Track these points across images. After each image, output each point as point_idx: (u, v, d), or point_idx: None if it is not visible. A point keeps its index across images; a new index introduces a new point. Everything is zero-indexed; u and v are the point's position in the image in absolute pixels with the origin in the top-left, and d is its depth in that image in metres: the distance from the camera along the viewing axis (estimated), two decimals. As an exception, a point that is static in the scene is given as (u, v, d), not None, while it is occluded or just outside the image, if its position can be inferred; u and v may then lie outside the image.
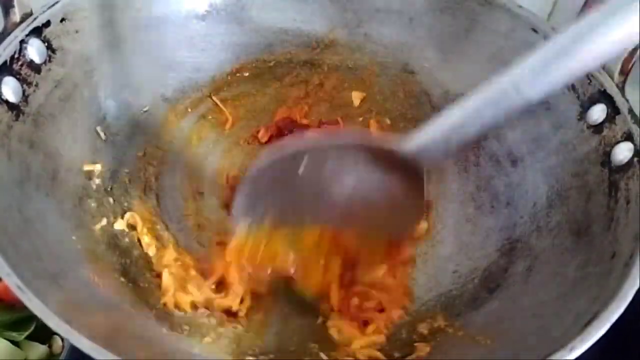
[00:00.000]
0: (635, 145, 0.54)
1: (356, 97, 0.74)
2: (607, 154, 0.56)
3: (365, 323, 0.57)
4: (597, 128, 0.58)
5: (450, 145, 0.47)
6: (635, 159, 0.54)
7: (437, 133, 0.47)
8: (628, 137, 0.55)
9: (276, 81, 0.75)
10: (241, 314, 0.57)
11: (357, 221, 0.53)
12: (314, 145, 0.52)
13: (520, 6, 0.65)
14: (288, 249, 0.55)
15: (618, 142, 0.55)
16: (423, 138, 0.48)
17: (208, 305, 0.57)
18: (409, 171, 0.50)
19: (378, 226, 0.54)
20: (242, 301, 0.57)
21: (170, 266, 0.58)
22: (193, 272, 0.59)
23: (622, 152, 0.55)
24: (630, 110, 0.55)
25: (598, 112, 0.58)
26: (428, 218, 0.65)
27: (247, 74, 0.74)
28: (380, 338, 0.56)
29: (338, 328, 0.57)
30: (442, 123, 0.47)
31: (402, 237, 0.59)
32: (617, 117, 0.56)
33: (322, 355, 0.55)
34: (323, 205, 0.53)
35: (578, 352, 0.43)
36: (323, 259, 0.55)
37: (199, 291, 0.57)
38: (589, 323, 0.44)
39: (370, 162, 0.50)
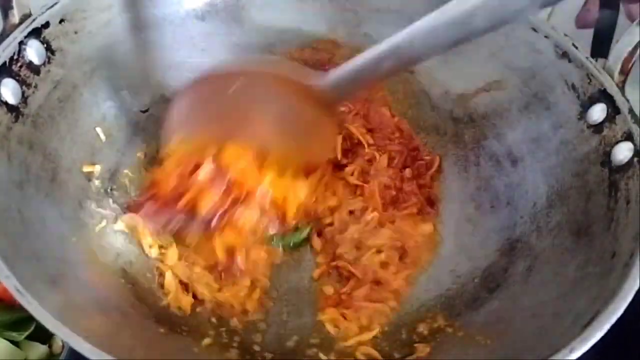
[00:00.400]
0: (635, 145, 0.54)
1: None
2: (607, 154, 0.56)
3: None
4: (597, 128, 0.58)
5: (357, 85, 0.54)
6: (635, 159, 0.54)
7: (347, 73, 0.52)
8: (628, 136, 0.55)
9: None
10: (250, 308, 0.58)
11: (279, 143, 0.57)
12: (244, 71, 0.57)
13: (520, 6, 0.65)
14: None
15: (618, 142, 0.55)
16: (337, 75, 0.52)
17: (214, 302, 0.57)
18: (323, 103, 0.55)
19: (297, 148, 0.58)
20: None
21: (174, 267, 0.58)
22: (198, 269, 0.59)
23: (622, 152, 0.55)
24: (631, 110, 0.55)
25: (598, 112, 0.58)
26: (434, 221, 0.66)
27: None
28: (374, 332, 0.57)
29: (334, 323, 0.58)
30: (350, 65, 0.51)
31: (316, 161, 0.62)
32: (617, 116, 0.56)
33: (321, 355, 0.55)
34: (249, 125, 0.57)
35: (578, 352, 0.43)
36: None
37: (206, 289, 0.57)
38: (589, 323, 0.44)
39: (292, 92, 0.55)
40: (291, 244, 0.65)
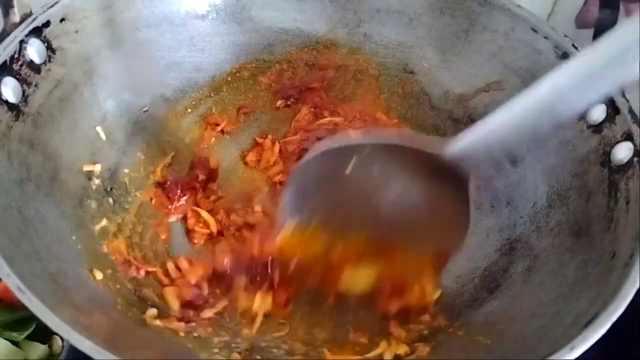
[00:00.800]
0: (635, 145, 0.54)
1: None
2: (607, 154, 0.56)
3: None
4: (597, 128, 0.58)
5: (493, 150, 0.45)
6: (635, 159, 0.54)
7: (479, 137, 0.45)
8: (628, 137, 0.55)
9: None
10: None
11: (402, 231, 0.51)
12: (361, 143, 0.50)
13: (520, 6, 0.65)
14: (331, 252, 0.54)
15: (618, 142, 0.55)
16: (466, 141, 0.45)
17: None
18: (453, 177, 0.47)
19: (423, 237, 0.52)
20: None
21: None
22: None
23: (622, 152, 0.55)
24: (630, 110, 0.55)
25: (598, 112, 0.58)
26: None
27: (247, 74, 0.74)
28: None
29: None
30: (484, 128, 0.44)
31: (446, 251, 0.54)
32: (617, 116, 0.56)
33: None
34: (369, 211, 0.51)
35: (578, 352, 0.43)
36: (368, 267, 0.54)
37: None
38: (589, 323, 0.44)
39: (414, 166, 0.48)
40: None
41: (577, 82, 0.39)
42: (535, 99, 0.41)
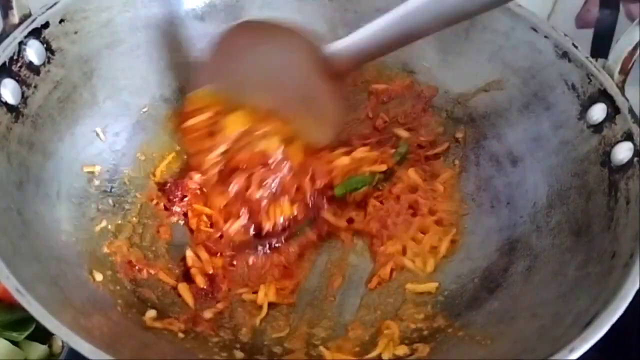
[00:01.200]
0: (635, 145, 0.54)
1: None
2: (607, 154, 0.56)
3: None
4: (597, 128, 0.58)
5: (377, 49, 0.56)
6: (635, 159, 0.54)
7: (356, 42, 0.55)
8: (628, 136, 0.55)
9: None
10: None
11: (289, 104, 0.62)
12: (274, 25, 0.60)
13: (520, 6, 0.65)
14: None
15: (618, 142, 0.55)
16: (345, 44, 0.55)
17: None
18: (332, 73, 0.58)
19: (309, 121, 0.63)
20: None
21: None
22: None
23: (622, 152, 0.55)
24: (631, 110, 0.55)
25: (598, 112, 0.58)
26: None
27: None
28: None
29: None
30: (359, 35, 0.54)
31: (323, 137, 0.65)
32: (617, 116, 0.56)
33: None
34: (266, 88, 0.62)
35: (578, 352, 0.43)
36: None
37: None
38: (589, 323, 0.44)
39: (310, 60, 0.58)
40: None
41: None
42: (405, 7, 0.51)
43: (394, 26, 0.52)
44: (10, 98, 0.53)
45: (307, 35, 0.59)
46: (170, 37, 0.69)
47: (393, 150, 0.69)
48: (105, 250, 0.58)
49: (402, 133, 0.71)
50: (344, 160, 0.67)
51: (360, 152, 0.68)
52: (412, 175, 0.67)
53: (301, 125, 0.64)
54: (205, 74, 0.64)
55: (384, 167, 0.68)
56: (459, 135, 0.69)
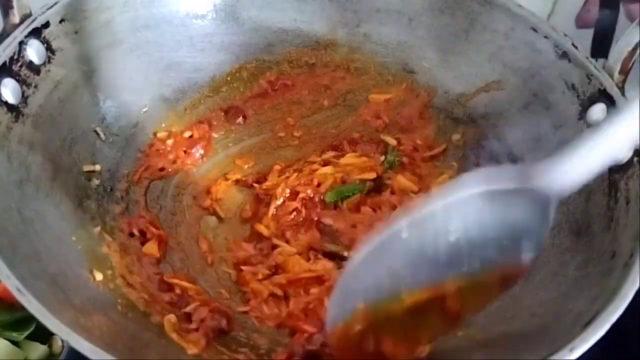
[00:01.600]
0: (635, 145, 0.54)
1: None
2: (607, 154, 0.56)
3: None
4: (597, 128, 0.58)
5: (585, 173, 0.42)
6: (635, 159, 0.54)
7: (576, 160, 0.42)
8: (628, 136, 0.55)
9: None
10: None
11: (466, 267, 0.44)
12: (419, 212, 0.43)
13: (520, 6, 0.65)
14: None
15: (618, 142, 0.55)
16: (562, 165, 0.42)
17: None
18: (533, 197, 0.43)
19: (492, 265, 0.45)
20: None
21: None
22: None
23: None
24: (631, 110, 0.55)
25: (598, 112, 0.58)
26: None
27: (247, 74, 0.74)
28: None
29: None
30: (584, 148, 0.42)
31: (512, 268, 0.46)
32: (617, 116, 0.56)
33: None
34: (424, 265, 0.44)
35: (578, 352, 0.43)
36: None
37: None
38: (589, 323, 0.44)
39: (488, 202, 0.42)
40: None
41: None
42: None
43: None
44: (11, 98, 0.53)
45: None
46: (170, 37, 0.69)
47: (383, 157, 0.69)
48: (105, 249, 0.58)
49: (390, 140, 0.70)
50: (326, 169, 0.66)
51: (348, 158, 0.68)
52: (402, 180, 0.66)
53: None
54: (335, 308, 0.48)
55: (373, 175, 0.66)
56: (457, 137, 0.69)
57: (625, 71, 0.57)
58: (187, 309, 0.56)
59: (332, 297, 0.48)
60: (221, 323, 0.55)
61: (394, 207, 0.64)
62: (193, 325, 0.54)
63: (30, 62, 0.56)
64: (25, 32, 0.56)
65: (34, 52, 0.56)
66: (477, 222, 0.42)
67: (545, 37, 0.62)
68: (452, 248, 0.43)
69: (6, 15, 0.56)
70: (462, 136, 0.69)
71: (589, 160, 0.41)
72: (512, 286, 0.46)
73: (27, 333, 0.63)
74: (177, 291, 0.57)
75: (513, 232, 0.43)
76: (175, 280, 0.58)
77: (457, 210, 0.42)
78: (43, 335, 0.64)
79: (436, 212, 0.42)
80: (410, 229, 0.43)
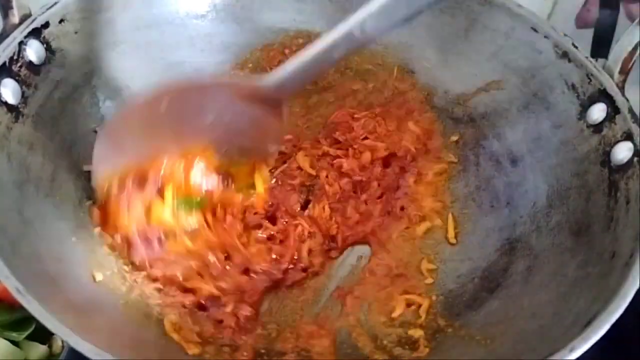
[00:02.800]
0: (635, 144, 0.54)
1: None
2: (607, 154, 0.56)
3: None
4: (597, 127, 0.58)
5: (304, 79, 0.55)
6: (635, 159, 0.54)
7: (292, 69, 0.53)
8: (628, 136, 0.55)
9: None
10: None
11: (222, 145, 0.58)
12: (177, 87, 0.55)
13: (520, 5, 0.65)
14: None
15: (618, 142, 0.55)
16: (280, 74, 0.53)
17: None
18: (269, 103, 0.56)
19: (242, 149, 0.59)
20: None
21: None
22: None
23: (622, 152, 0.55)
24: (630, 110, 0.55)
25: (598, 112, 0.58)
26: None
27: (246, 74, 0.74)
28: None
29: None
30: (297, 61, 0.52)
31: (262, 158, 0.62)
32: (617, 116, 0.56)
33: None
34: (186, 133, 0.57)
35: (578, 352, 0.43)
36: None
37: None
38: (589, 323, 0.44)
39: (233, 98, 0.56)
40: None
41: (373, 13, 0.48)
42: (339, 32, 0.50)
43: (339, 44, 0.50)
44: (11, 98, 0.53)
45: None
46: (170, 37, 0.69)
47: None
48: (105, 250, 0.58)
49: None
50: None
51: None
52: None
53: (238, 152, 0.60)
54: (110, 155, 0.56)
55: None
56: (456, 137, 0.69)
57: (625, 71, 0.57)
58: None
59: (99, 143, 0.55)
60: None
61: None
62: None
63: (30, 62, 0.56)
64: (25, 33, 0.55)
65: (33, 52, 0.56)
66: (228, 111, 0.56)
67: (546, 37, 0.62)
68: (209, 128, 0.56)
69: (6, 15, 0.56)
70: (461, 136, 0.69)
71: (293, 66, 0.53)
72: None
73: (27, 333, 0.63)
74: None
75: (258, 126, 0.57)
76: None
77: (210, 96, 0.55)
78: (43, 335, 0.64)
79: (190, 91, 0.55)
80: (171, 101, 0.54)
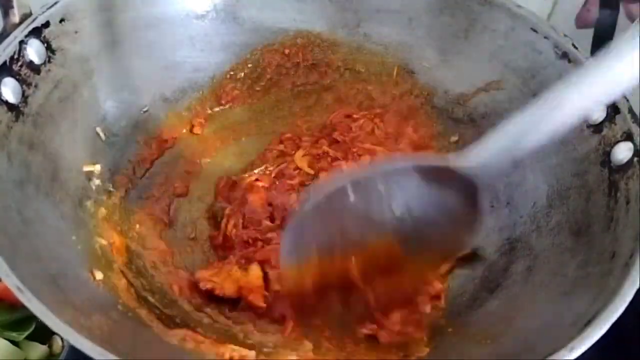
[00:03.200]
0: (635, 144, 0.54)
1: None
2: (607, 154, 0.56)
3: None
4: (597, 127, 0.58)
5: (506, 160, 0.46)
6: (635, 159, 0.54)
7: (494, 149, 0.46)
8: (628, 136, 0.55)
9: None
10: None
11: (410, 240, 0.51)
12: (362, 175, 0.50)
13: (520, 6, 0.65)
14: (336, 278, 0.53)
15: (618, 142, 0.55)
16: (481, 153, 0.46)
17: None
18: (464, 187, 0.48)
19: (433, 243, 0.52)
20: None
21: None
22: None
23: (622, 152, 0.55)
24: (630, 110, 0.55)
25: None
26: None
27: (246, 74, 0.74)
28: None
29: None
30: (499, 139, 0.45)
31: (454, 253, 0.57)
32: (617, 116, 0.56)
33: None
34: (372, 229, 0.51)
35: (578, 352, 0.43)
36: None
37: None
38: (589, 323, 0.44)
39: (423, 182, 0.49)
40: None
41: (580, 90, 0.43)
42: (537, 108, 0.44)
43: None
44: (11, 97, 0.53)
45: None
46: (170, 37, 0.70)
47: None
48: (105, 249, 0.58)
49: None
50: None
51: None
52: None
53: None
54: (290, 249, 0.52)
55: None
56: (456, 137, 0.69)
57: (625, 71, 0.57)
58: None
59: (286, 237, 0.51)
60: None
61: None
62: None
63: (31, 61, 0.56)
64: (26, 32, 0.56)
65: (34, 51, 0.56)
66: (417, 201, 0.49)
67: (545, 37, 0.62)
68: (397, 222, 0.50)
69: (6, 14, 0.56)
70: (461, 136, 0.69)
71: (497, 145, 0.45)
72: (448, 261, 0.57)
73: (27, 333, 0.63)
74: None
75: (450, 216, 0.50)
76: None
77: (396, 182, 0.48)
78: (43, 335, 0.64)
79: (376, 178, 0.49)
80: (355, 191, 0.48)
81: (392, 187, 0.49)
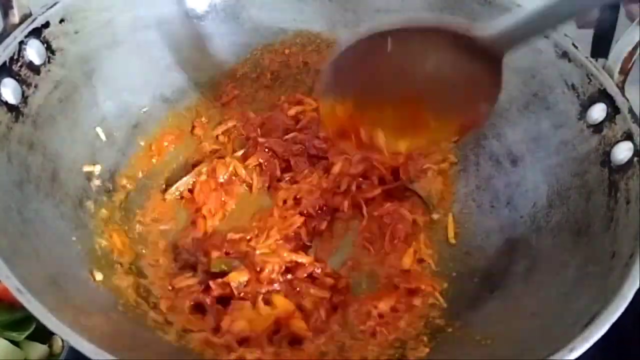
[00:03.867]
0: (635, 144, 0.54)
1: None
2: (607, 154, 0.56)
3: None
4: (597, 127, 0.58)
5: (528, 34, 0.50)
6: (635, 159, 0.54)
7: (516, 21, 0.49)
8: (628, 136, 0.55)
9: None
10: None
11: (435, 98, 0.56)
12: (398, 28, 0.53)
13: (520, 5, 0.65)
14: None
15: (618, 142, 0.55)
16: (503, 25, 0.50)
17: None
18: (487, 55, 0.51)
19: (454, 106, 0.57)
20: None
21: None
22: None
23: (622, 152, 0.55)
24: (630, 110, 0.55)
25: (598, 112, 0.58)
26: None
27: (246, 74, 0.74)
28: None
29: None
30: (522, 13, 0.48)
31: (470, 123, 0.59)
32: (617, 116, 0.56)
33: None
34: (403, 83, 0.55)
35: (578, 352, 0.43)
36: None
37: None
38: (589, 323, 0.44)
39: (449, 46, 0.52)
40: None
41: None
42: None
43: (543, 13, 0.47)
44: (11, 97, 0.53)
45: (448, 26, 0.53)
46: (170, 37, 0.69)
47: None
48: (105, 249, 0.58)
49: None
50: None
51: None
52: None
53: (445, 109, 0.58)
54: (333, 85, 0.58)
55: None
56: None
57: (625, 71, 0.57)
58: None
59: (327, 71, 0.56)
60: None
61: None
62: None
63: (30, 62, 0.56)
64: (25, 32, 0.55)
65: (34, 52, 0.56)
66: (444, 63, 0.53)
67: (546, 37, 0.62)
68: (426, 78, 0.54)
69: (6, 15, 0.56)
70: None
71: (525, 17, 0.48)
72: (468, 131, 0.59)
73: (27, 333, 0.63)
74: None
75: (473, 82, 0.53)
76: None
77: (428, 40, 0.52)
78: (43, 335, 0.64)
79: (413, 34, 0.52)
80: (394, 43, 0.52)
81: (425, 45, 0.52)
